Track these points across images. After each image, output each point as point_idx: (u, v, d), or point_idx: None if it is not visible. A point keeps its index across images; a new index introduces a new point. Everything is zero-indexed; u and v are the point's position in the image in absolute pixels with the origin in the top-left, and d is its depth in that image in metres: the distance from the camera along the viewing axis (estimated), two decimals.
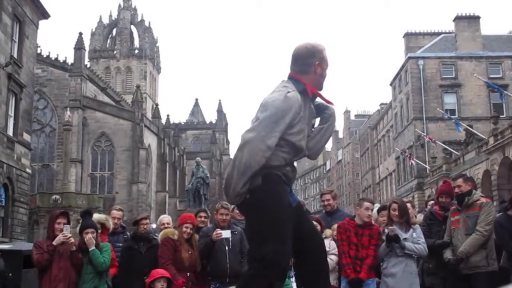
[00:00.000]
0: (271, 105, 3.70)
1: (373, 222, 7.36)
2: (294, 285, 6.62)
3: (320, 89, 3.94)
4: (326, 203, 8.67)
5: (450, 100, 47.34)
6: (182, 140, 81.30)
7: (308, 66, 3.87)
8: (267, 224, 3.62)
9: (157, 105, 73.18)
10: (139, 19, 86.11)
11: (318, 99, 4.01)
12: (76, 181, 48.78)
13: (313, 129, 4.00)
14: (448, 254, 6.68)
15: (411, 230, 6.83)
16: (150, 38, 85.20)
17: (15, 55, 27.72)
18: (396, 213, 6.83)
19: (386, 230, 6.73)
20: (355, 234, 6.76)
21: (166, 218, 9.06)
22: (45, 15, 31.16)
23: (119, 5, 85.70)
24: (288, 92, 3.73)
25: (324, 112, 4.01)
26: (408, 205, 7.66)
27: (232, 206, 7.91)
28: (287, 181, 3.83)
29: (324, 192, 8.98)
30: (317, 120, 4.10)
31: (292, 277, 6.66)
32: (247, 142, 3.62)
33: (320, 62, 3.87)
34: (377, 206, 8.67)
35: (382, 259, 6.84)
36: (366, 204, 7.10)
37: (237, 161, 3.64)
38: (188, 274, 7.12)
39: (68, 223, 6.70)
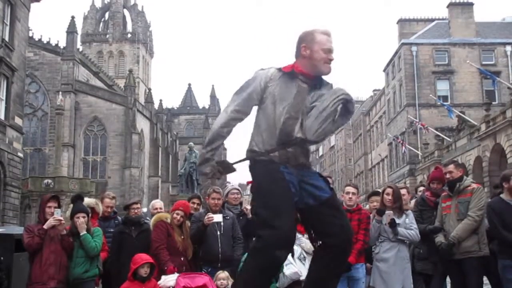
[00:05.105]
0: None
1: (361, 206, 7.38)
2: (285, 268, 6.57)
3: (318, 72, 3.90)
4: None
5: (442, 86, 47.41)
6: (175, 125, 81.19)
7: (298, 50, 3.95)
8: (260, 200, 3.84)
9: (149, 89, 72.96)
10: (132, 3, 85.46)
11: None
12: (68, 166, 48.72)
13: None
14: (440, 239, 6.71)
15: (403, 215, 6.86)
16: (143, 22, 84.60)
17: (7, 38, 27.46)
18: (390, 197, 6.85)
19: (384, 218, 6.70)
20: None
21: (158, 203, 9.09)
22: None
23: None
24: (261, 69, 3.94)
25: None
26: (404, 191, 7.64)
27: (226, 191, 7.90)
28: (288, 161, 3.83)
29: None
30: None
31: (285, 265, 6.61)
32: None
33: (306, 45, 3.87)
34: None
35: (374, 244, 6.85)
36: (347, 188, 7.16)
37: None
38: (182, 258, 7.13)
39: (59, 207, 6.68)
